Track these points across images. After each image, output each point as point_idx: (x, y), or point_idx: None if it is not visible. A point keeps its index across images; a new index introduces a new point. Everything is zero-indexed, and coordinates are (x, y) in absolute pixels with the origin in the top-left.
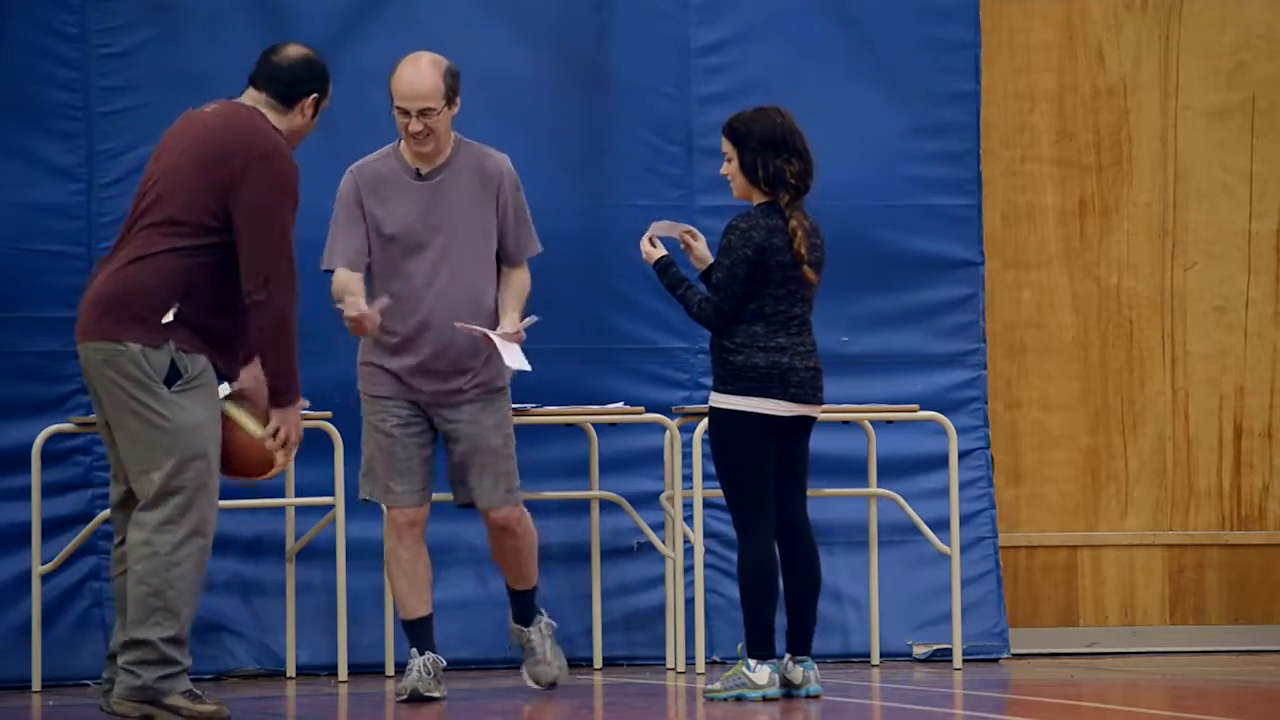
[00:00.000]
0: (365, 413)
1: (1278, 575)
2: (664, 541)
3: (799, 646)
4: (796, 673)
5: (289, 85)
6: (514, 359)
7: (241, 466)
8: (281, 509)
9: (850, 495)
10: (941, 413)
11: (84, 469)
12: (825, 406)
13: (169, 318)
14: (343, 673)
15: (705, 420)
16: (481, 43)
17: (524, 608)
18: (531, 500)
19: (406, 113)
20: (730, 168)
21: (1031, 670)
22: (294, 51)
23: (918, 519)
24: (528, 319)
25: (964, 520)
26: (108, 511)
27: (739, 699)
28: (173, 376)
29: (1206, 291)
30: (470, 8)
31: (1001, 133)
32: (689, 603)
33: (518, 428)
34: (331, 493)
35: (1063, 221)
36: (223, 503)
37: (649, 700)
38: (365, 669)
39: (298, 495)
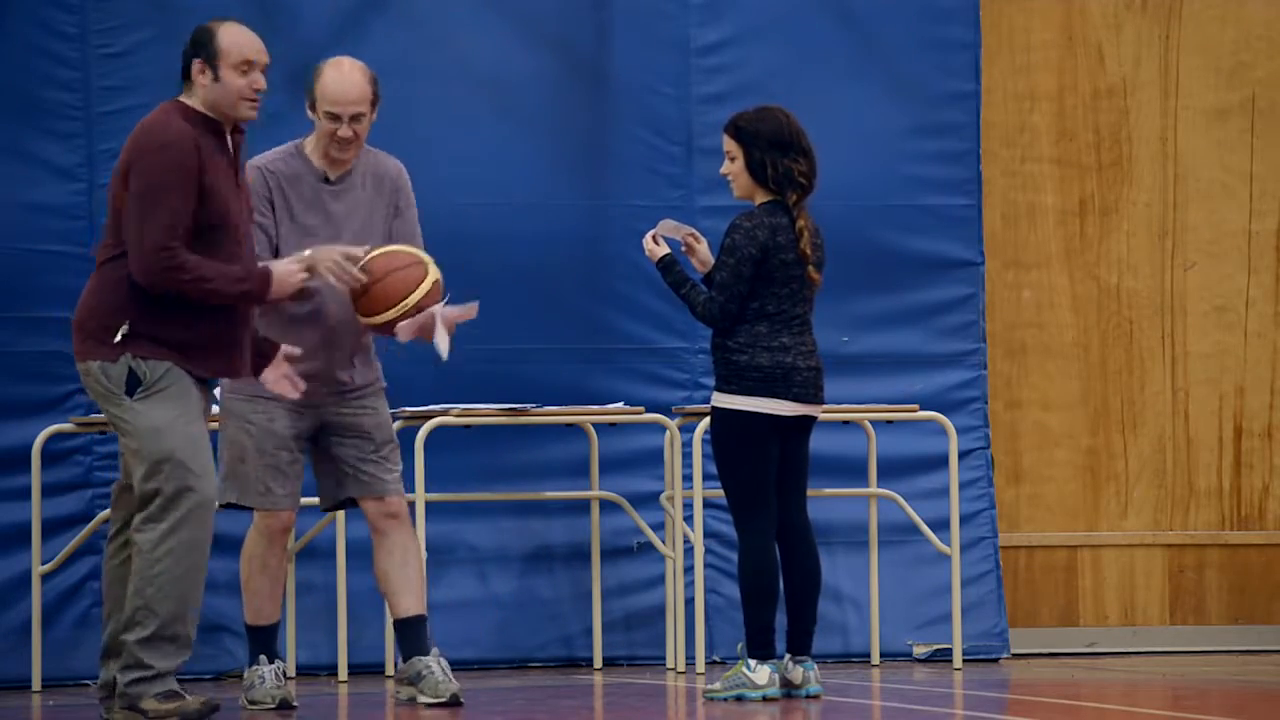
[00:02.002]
0: (243, 412)
1: (1278, 575)
2: (664, 541)
3: (799, 647)
4: (796, 673)
5: (181, 64)
6: (445, 345)
7: (385, 304)
8: None
9: (850, 495)
10: (941, 413)
11: (84, 469)
12: (825, 406)
13: (120, 335)
14: (343, 673)
15: (705, 420)
16: (482, 42)
17: (421, 639)
18: (532, 500)
19: (338, 118)
20: (734, 167)
21: (1031, 670)
22: None
23: (918, 519)
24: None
25: (964, 520)
26: (108, 511)
27: (739, 699)
28: (133, 385)
29: (1206, 291)
30: (470, 7)
31: (1001, 133)
32: (689, 603)
33: (517, 428)
34: None
35: (1063, 221)
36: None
37: (649, 700)
38: (365, 669)
39: None
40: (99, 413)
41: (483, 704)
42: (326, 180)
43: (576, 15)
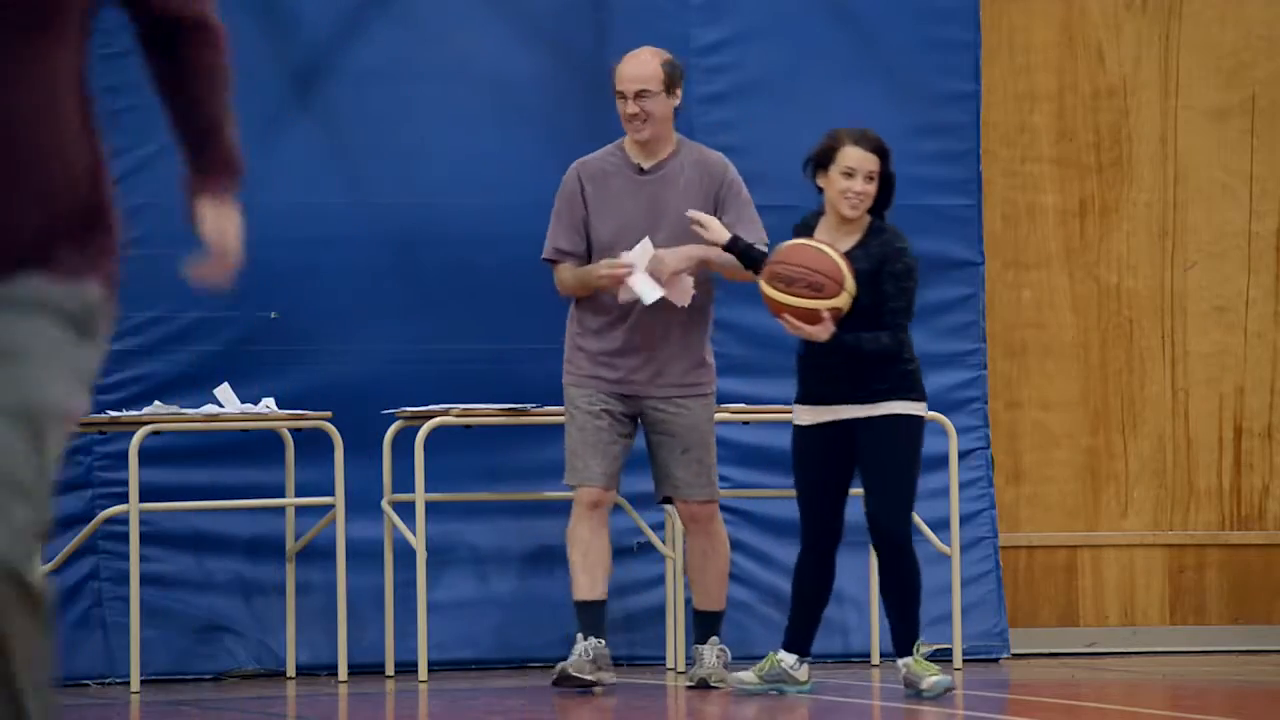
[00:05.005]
0: (573, 397)
1: (1278, 575)
2: (664, 541)
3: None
4: (802, 671)
5: None
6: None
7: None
8: (281, 509)
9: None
10: (941, 413)
11: (84, 469)
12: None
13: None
14: (343, 673)
15: None
16: (482, 42)
17: (701, 629)
18: (532, 500)
19: (624, 96)
20: (872, 186)
21: (1031, 670)
22: None
23: (918, 519)
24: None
25: (964, 520)
26: (108, 511)
27: (780, 693)
28: None
29: (1206, 291)
30: (471, 7)
31: (1001, 133)
32: (689, 603)
33: (518, 428)
34: (331, 493)
35: (1063, 221)
36: (222, 503)
37: (649, 700)
38: (365, 669)
39: (297, 495)
40: (99, 412)
41: (483, 704)
42: (641, 170)
43: (576, 15)
